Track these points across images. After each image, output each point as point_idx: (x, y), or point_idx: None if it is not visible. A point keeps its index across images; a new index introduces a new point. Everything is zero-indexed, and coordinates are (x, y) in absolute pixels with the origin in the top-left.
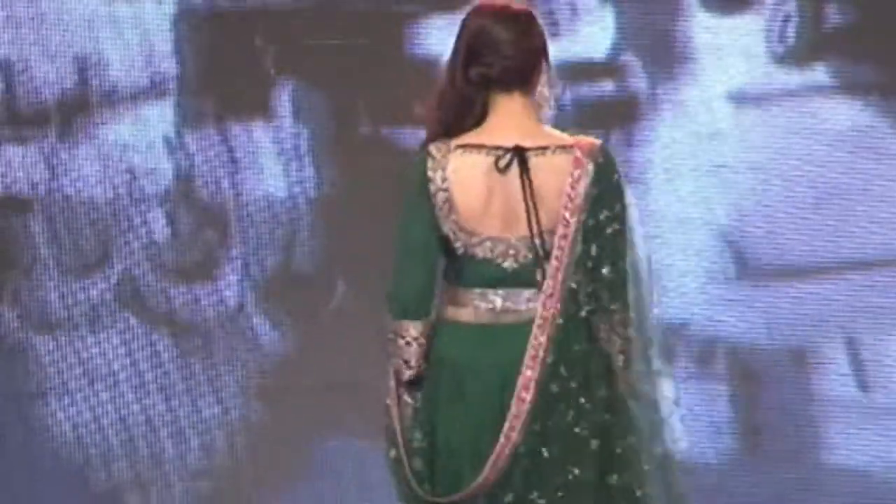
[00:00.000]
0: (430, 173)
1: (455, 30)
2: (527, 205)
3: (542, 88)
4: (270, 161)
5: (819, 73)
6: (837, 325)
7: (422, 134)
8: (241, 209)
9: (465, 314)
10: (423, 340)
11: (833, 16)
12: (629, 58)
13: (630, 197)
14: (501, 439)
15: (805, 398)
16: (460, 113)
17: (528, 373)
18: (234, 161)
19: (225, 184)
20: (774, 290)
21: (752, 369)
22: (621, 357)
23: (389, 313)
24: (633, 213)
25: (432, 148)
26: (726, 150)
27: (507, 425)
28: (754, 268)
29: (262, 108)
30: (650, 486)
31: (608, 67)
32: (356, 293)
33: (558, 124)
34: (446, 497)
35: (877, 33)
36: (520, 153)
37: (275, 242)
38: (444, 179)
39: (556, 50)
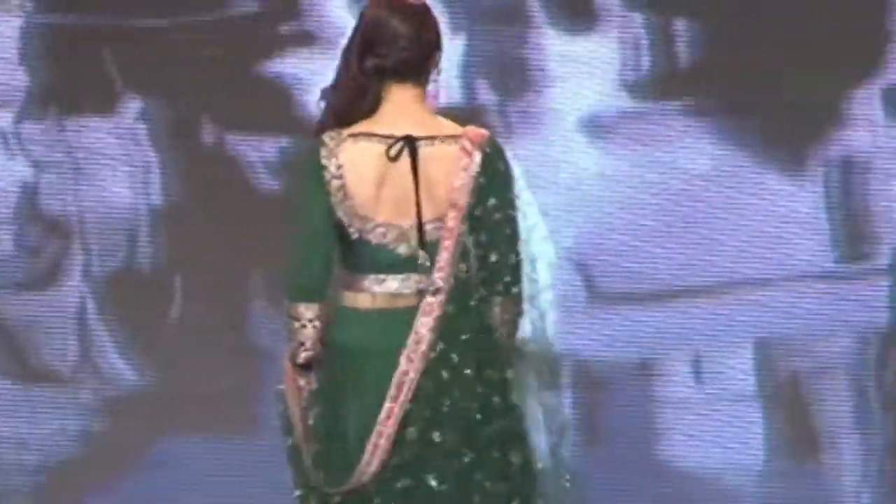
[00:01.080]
0: (323, 161)
1: (299, 45)
2: (417, 194)
3: (435, 78)
4: (115, 170)
5: (671, 98)
6: (681, 341)
7: (264, 144)
8: (85, 218)
9: (362, 299)
10: (318, 323)
11: (681, 34)
12: (481, 81)
13: (521, 187)
14: (377, 427)
15: (647, 408)
16: (354, 102)
17: (405, 364)
18: (78, 170)
19: (69, 193)
20: (621, 306)
21: (597, 380)
22: (519, 336)
23: (286, 296)
24: (526, 203)
25: (325, 137)
26: (578, 172)
27: (382, 415)
28: (602, 284)
29: (107, 118)
30: (545, 460)
31: (460, 89)
32: (198, 301)
33: None
34: (337, 487)
35: (729, 54)
36: (410, 142)
37: (118, 251)
38: (338, 167)
39: None
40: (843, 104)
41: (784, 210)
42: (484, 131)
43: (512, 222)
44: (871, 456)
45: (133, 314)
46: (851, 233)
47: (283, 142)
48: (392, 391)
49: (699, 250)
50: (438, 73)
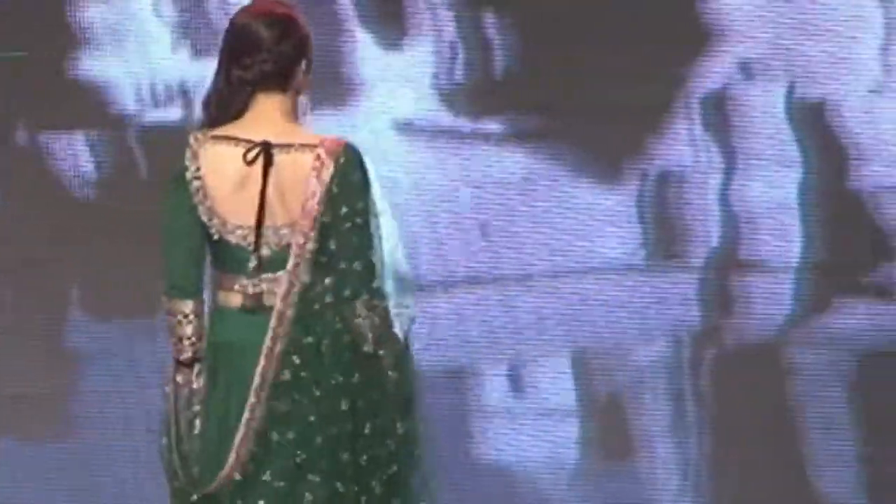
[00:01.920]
0: (187, 162)
1: (110, 44)
2: (261, 198)
3: (303, 90)
4: None
5: (485, 102)
6: (494, 344)
7: (77, 144)
8: None
9: (233, 299)
10: (193, 318)
11: (496, 40)
12: None
13: (378, 196)
14: (242, 429)
15: (460, 409)
16: (222, 108)
17: (262, 363)
18: None
19: None
20: (435, 307)
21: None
22: (372, 343)
23: (163, 294)
24: (384, 212)
25: (191, 138)
26: (391, 175)
27: (246, 415)
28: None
29: None
30: (399, 462)
31: None
32: (15, 303)
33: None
34: (205, 487)
35: (545, 60)
36: (266, 148)
37: None
38: (198, 168)
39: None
40: (661, 109)
41: (598, 210)
42: (342, 140)
43: (363, 230)
44: (689, 457)
45: None
46: (666, 233)
47: (97, 142)
48: (253, 390)
49: (510, 251)
50: (307, 84)
